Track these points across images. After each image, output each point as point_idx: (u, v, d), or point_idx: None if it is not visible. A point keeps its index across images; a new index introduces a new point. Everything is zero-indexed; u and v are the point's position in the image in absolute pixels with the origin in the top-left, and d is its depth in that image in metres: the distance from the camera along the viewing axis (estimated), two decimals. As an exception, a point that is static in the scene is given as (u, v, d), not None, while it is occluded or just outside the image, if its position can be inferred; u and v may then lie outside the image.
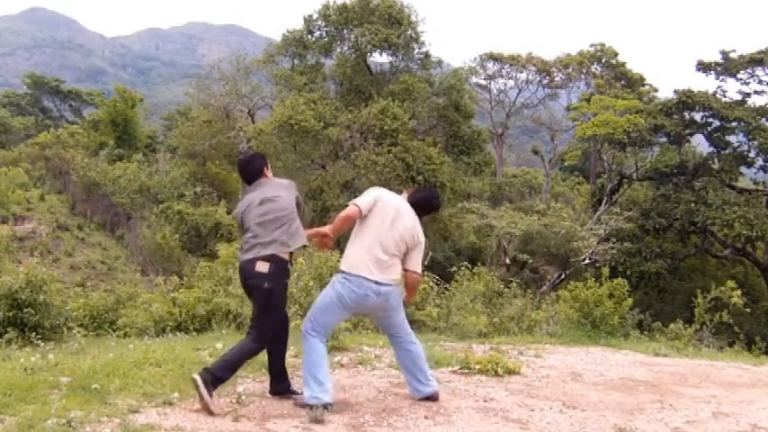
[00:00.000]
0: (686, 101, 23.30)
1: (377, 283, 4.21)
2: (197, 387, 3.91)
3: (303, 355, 4.19)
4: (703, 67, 24.09)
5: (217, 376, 4.01)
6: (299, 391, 4.35)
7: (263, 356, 5.23)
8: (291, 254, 4.30)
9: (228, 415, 3.94)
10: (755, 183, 25.21)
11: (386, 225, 4.25)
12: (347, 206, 4.32)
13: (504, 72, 36.65)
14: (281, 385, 4.40)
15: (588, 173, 37.21)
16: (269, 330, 4.23)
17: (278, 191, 4.35)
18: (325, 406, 4.03)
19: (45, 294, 7.20)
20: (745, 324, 14.71)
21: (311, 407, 4.00)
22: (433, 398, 4.50)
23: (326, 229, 4.40)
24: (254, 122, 29.63)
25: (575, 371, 5.90)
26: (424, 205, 4.55)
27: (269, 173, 4.50)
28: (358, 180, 21.34)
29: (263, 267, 4.11)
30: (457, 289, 9.70)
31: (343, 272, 4.26)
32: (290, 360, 5.38)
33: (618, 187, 25.94)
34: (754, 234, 20.90)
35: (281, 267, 4.17)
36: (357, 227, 4.31)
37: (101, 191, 28.84)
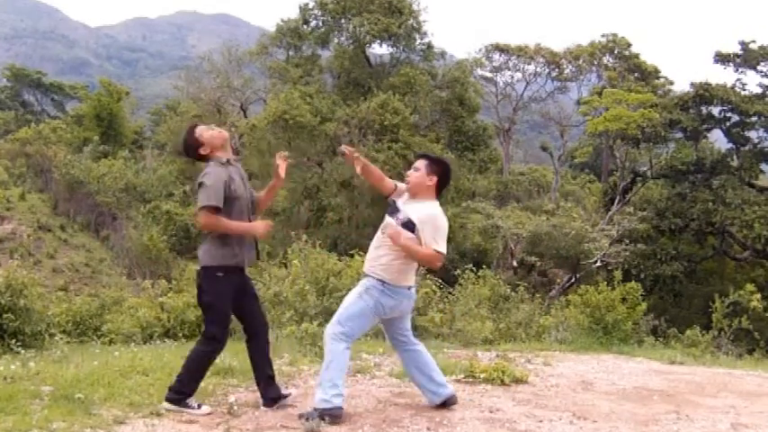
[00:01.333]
0: (703, 94, 23.32)
1: (409, 287, 4.35)
2: (178, 410, 4.03)
3: (326, 357, 4.19)
4: (721, 58, 24.12)
5: (183, 391, 4.11)
6: (290, 392, 4.45)
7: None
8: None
9: (220, 426, 3.94)
10: (776, 181, 25.25)
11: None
12: (433, 252, 4.16)
13: (510, 64, 36.63)
14: (273, 392, 4.38)
15: (600, 170, 37.24)
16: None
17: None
18: (335, 413, 4.08)
19: (26, 299, 7.21)
20: (765, 330, 14.67)
21: (307, 418, 4.01)
22: (452, 401, 4.53)
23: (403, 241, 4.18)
24: (246, 117, 29.66)
25: (585, 380, 5.90)
26: (449, 179, 4.50)
27: (202, 138, 4.21)
28: (356, 178, 21.37)
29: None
30: (461, 293, 9.71)
31: (384, 282, 4.24)
32: (284, 368, 5.40)
33: (631, 186, 25.97)
34: (775, 235, 20.92)
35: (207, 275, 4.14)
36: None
37: (85, 189, 28.86)
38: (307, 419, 4.00)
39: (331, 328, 4.25)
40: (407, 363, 4.56)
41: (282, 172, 4.44)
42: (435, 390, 4.51)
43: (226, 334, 4.21)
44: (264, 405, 4.35)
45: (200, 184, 4.04)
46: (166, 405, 4.09)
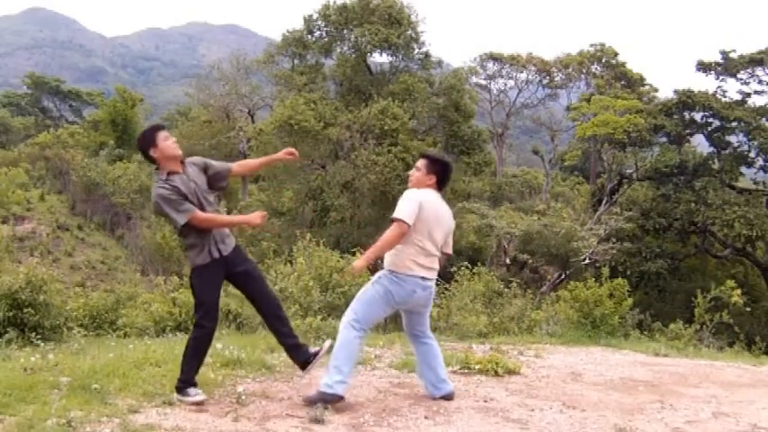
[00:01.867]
0: (686, 101, 23.31)
1: (423, 278, 4.30)
2: (188, 402, 4.03)
3: (337, 343, 4.21)
4: (703, 67, 24.11)
5: (184, 379, 4.11)
6: (317, 349, 4.40)
7: (264, 356, 5.25)
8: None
9: (228, 415, 3.94)
10: (755, 183, 25.21)
11: (432, 223, 4.28)
12: (393, 222, 4.15)
13: (504, 72, 36.73)
14: (303, 356, 4.38)
15: (588, 173, 37.22)
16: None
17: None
18: (334, 400, 4.09)
19: (45, 294, 7.20)
20: (745, 324, 14.72)
21: (313, 404, 4.01)
22: (449, 397, 4.54)
23: (367, 258, 4.16)
24: (254, 122, 29.67)
25: (575, 371, 5.89)
26: (448, 177, 4.49)
27: (159, 150, 4.08)
28: (358, 180, 21.34)
29: None
30: (457, 289, 9.72)
31: (392, 271, 4.25)
32: (289, 360, 5.39)
33: (618, 187, 25.94)
34: (754, 234, 20.91)
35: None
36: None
37: (101, 191, 28.84)
38: (311, 408, 4.00)
39: (345, 316, 4.30)
40: (422, 354, 4.58)
41: (281, 156, 4.50)
42: (437, 384, 4.53)
43: (212, 320, 4.19)
44: (300, 369, 4.41)
45: (162, 207, 4.02)
46: (175, 395, 4.11)
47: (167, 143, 4.09)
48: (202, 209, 4.10)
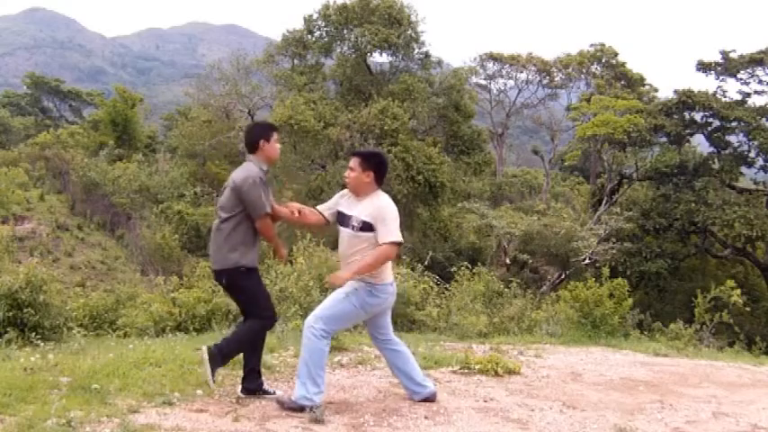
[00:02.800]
0: (686, 101, 23.30)
1: (391, 284, 4.29)
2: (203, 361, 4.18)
3: (305, 354, 4.08)
4: (703, 67, 24.09)
5: (224, 353, 4.22)
6: (272, 391, 4.34)
7: (264, 356, 5.24)
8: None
9: (228, 415, 3.94)
10: (755, 183, 25.20)
11: None
12: (388, 245, 4.03)
13: (504, 72, 36.70)
14: (253, 383, 4.35)
15: (588, 173, 37.22)
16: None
17: (227, 187, 4.24)
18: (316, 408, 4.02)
19: (45, 294, 7.18)
20: (745, 324, 14.71)
21: (311, 408, 4.00)
22: (431, 399, 4.48)
23: (354, 272, 4.07)
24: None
25: (575, 371, 5.89)
26: (384, 170, 4.32)
27: (268, 147, 4.24)
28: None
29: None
30: (457, 289, 9.70)
31: (370, 283, 4.14)
32: (289, 360, 5.39)
33: (618, 187, 25.94)
34: (755, 234, 20.90)
35: (229, 274, 4.21)
36: (372, 238, 4.13)
37: (101, 191, 28.83)
38: (311, 409, 3.99)
39: (313, 323, 4.10)
40: (392, 360, 4.48)
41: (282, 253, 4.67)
42: (414, 388, 4.46)
43: (273, 312, 4.38)
44: (242, 391, 4.32)
45: (253, 188, 4.12)
46: (203, 354, 4.21)
47: (276, 146, 4.29)
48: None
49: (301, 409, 4.00)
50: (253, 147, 4.23)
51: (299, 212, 4.40)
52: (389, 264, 4.24)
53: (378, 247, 4.05)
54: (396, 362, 4.45)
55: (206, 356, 4.20)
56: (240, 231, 4.14)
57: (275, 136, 4.28)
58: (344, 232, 4.22)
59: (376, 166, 4.23)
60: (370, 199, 4.18)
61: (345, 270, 4.15)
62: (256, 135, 4.25)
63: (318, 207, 4.44)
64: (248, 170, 4.16)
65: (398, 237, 4.07)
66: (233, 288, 4.31)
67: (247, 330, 4.26)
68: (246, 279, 4.18)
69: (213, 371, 4.23)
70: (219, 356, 4.22)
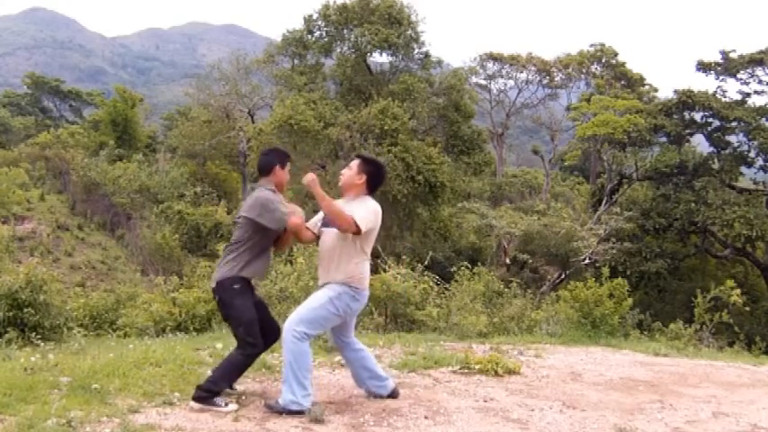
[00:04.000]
0: (686, 101, 23.30)
1: (367, 290, 4.35)
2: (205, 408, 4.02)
3: (289, 357, 4.04)
4: (703, 67, 24.09)
5: (211, 389, 4.09)
6: (236, 389, 4.38)
7: (264, 356, 5.24)
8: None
9: (229, 414, 3.94)
10: (755, 183, 25.18)
11: (373, 237, 4.31)
12: (353, 223, 4.07)
13: (504, 72, 36.69)
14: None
15: (588, 173, 37.23)
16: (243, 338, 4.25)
17: (244, 210, 4.31)
18: (300, 413, 3.99)
19: (45, 294, 7.19)
20: (745, 324, 14.72)
21: (309, 409, 4.00)
22: (395, 394, 4.53)
23: (321, 195, 4.05)
24: (254, 122, 29.65)
25: (575, 371, 5.89)
26: (380, 179, 4.41)
27: (281, 173, 4.39)
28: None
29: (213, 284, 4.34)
30: (457, 289, 9.70)
31: (354, 287, 4.18)
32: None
33: (618, 187, 25.94)
34: (754, 234, 20.89)
35: (225, 287, 4.23)
36: (357, 241, 4.17)
37: (101, 191, 28.83)
38: (310, 410, 3.99)
39: (295, 326, 4.08)
40: (354, 360, 4.49)
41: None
42: (380, 383, 4.50)
43: (259, 337, 4.26)
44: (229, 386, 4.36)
45: (270, 204, 4.22)
46: (194, 404, 4.03)
47: (287, 174, 4.47)
48: None
49: (290, 413, 3.99)
50: (267, 170, 4.36)
51: (302, 234, 4.41)
52: (367, 270, 4.28)
53: (348, 214, 4.07)
54: (361, 362, 4.48)
55: (201, 405, 4.05)
56: (258, 245, 4.27)
57: (288, 165, 4.45)
58: (329, 232, 4.26)
59: (370, 173, 4.32)
60: (359, 202, 4.25)
61: (322, 278, 4.26)
62: (273, 160, 4.39)
63: (307, 224, 4.44)
64: (261, 194, 4.28)
65: (363, 225, 4.11)
66: (224, 303, 4.26)
67: (234, 362, 4.23)
68: (239, 296, 4.18)
69: (218, 403, 4.09)
70: (214, 393, 4.11)
